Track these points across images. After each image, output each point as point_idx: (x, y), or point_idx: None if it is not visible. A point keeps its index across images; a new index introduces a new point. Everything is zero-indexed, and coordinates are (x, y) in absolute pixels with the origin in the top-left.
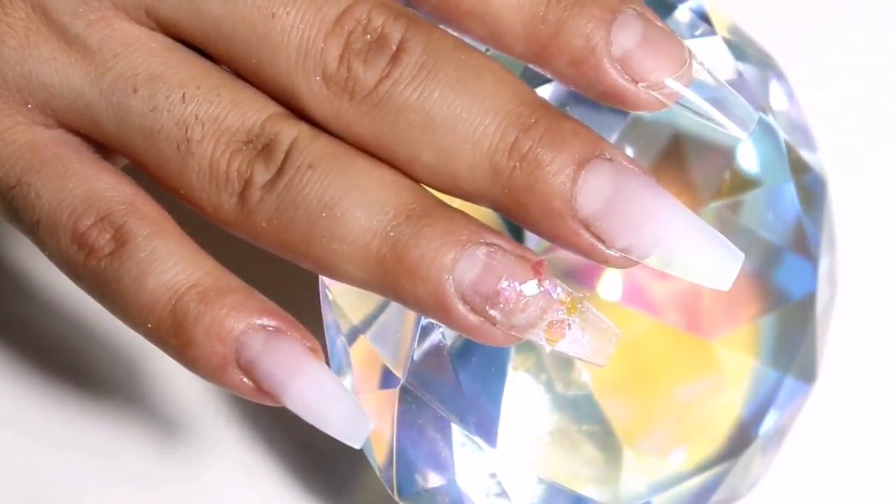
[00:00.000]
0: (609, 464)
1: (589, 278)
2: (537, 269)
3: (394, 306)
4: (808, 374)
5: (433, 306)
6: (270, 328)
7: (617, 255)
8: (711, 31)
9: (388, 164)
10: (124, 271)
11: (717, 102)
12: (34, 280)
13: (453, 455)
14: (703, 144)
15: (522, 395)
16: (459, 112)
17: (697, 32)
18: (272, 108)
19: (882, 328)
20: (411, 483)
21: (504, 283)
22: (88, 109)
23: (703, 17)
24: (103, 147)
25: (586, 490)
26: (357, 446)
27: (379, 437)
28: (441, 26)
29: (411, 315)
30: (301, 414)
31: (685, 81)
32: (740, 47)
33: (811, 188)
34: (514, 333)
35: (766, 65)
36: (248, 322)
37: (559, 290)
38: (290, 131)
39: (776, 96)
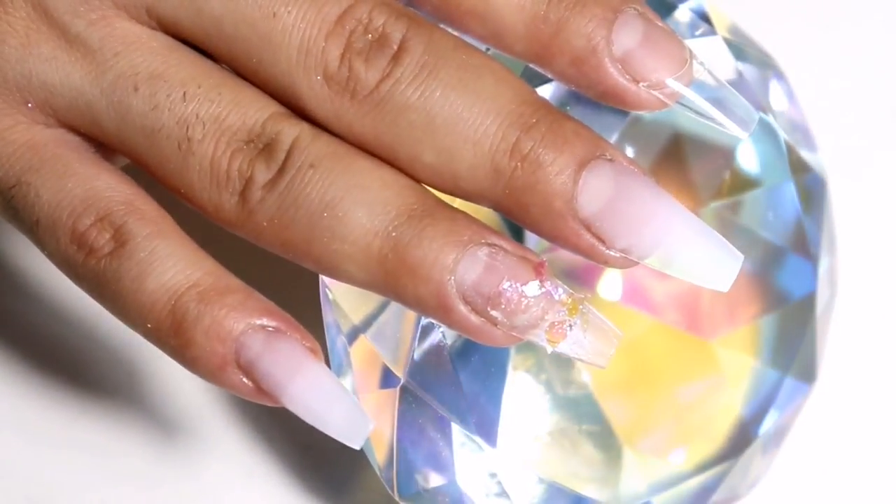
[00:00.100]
0: (609, 464)
1: (589, 278)
2: (539, 270)
3: (394, 306)
4: (808, 374)
5: (434, 307)
6: (270, 328)
7: (617, 255)
8: (711, 31)
9: (388, 164)
10: (124, 271)
11: (717, 102)
12: (34, 280)
13: (453, 455)
14: (703, 144)
15: (522, 395)
16: (461, 112)
17: (697, 32)
18: (273, 107)
19: (882, 328)
20: (411, 483)
21: (506, 284)
22: (89, 108)
23: (704, 17)
24: (103, 146)
25: (586, 490)
26: (357, 447)
27: (379, 437)
28: (442, 26)
29: (411, 315)
30: (300, 414)
31: (686, 81)
32: (740, 47)
33: (811, 188)
34: (514, 334)
35: (766, 65)
36: (247, 322)
37: (560, 291)
38: (292, 131)
39: (776, 96)
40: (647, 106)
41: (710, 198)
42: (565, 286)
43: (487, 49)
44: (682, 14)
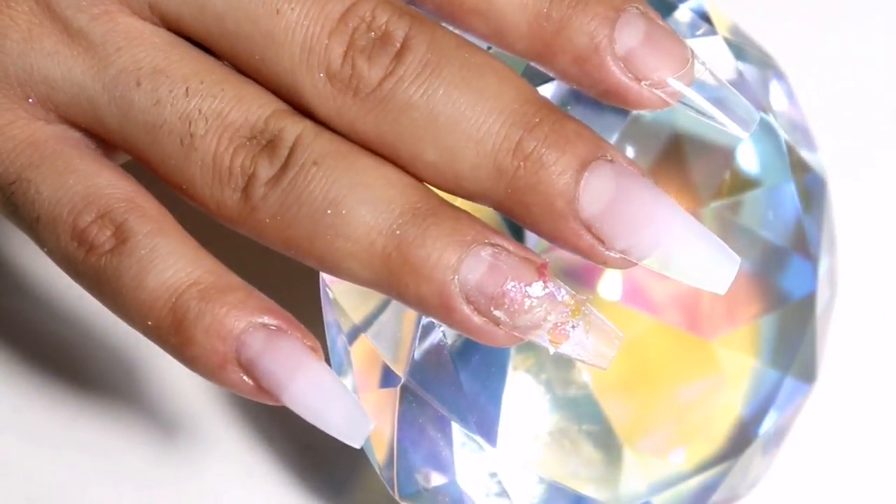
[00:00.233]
0: (609, 464)
1: (589, 278)
2: (541, 271)
3: (394, 305)
4: (808, 374)
5: (437, 306)
6: (271, 327)
7: (616, 256)
8: (712, 31)
9: (391, 163)
10: (124, 269)
11: (718, 102)
12: (33, 278)
13: (454, 454)
14: (703, 144)
15: (523, 395)
16: (463, 110)
17: (698, 32)
18: (276, 104)
19: (882, 328)
20: (412, 482)
21: (510, 284)
22: (91, 104)
23: (704, 17)
24: (104, 143)
25: (586, 490)
26: (357, 446)
27: (379, 437)
28: (444, 24)
29: (412, 314)
30: (301, 413)
31: (687, 80)
32: (740, 47)
33: (811, 188)
34: (516, 334)
35: (766, 65)
36: (248, 321)
37: (563, 292)
38: (295, 128)
39: (776, 96)
40: (648, 105)
41: (710, 198)
42: (567, 287)
43: (489, 48)
44: (683, 14)
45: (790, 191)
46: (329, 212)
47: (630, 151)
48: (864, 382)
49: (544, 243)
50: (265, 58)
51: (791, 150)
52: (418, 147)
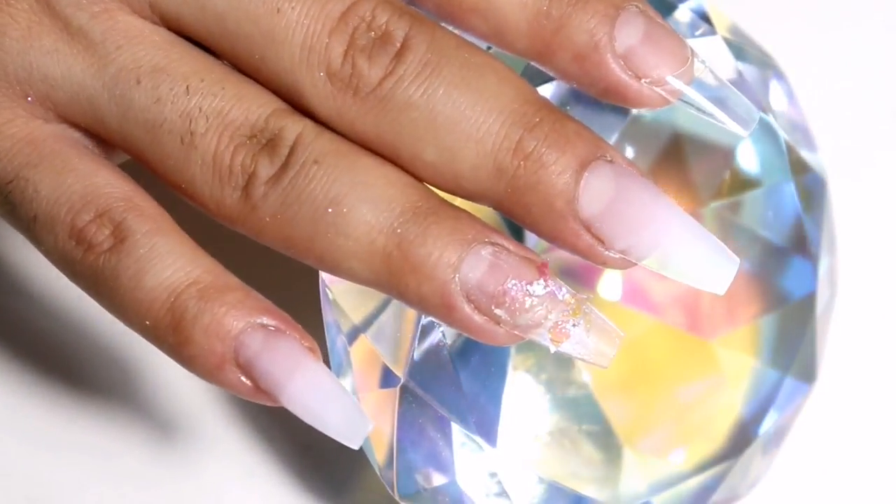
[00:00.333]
0: (609, 464)
1: (589, 278)
2: (542, 271)
3: (394, 306)
4: (808, 374)
5: (438, 305)
6: (270, 327)
7: (616, 256)
8: (712, 31)
9: (391, 162)
10: (122, 268)
11: (718, 101)
12: (31, 279)
13: (453, 455)
14: (702, 144)
15: (523, 395)
16: (463, 110)
17: (698, 32)
18: (276, 103)
19: (882, 328)
20: (411, 483)
21: (511, 283)
22: (90, 103)
23: (704, 16)
24: (103, 143)
25: (586, 490)
26: (355, 447)
27: (379, 437)
28: (443, 25)
29: (412, 314)
30: (299, 414)
31: (687, 79)
32: (740, 47)
33: (811, 188)
34: (517, 333)
35: (766, 65)
36: (247, 321)
37: (564, 290)
38: (295, 126)
39: (776, 96)
40: (648, 103)
41: (710, 198)
42: (568, 286)
43: (489, 48)
44: (682, 14)
45: (790, 191)
46: (330, 210)
47: (630, 152)
48: (864, 382)
49: (544, 243)
50: (265, 57)
51: (791, 150)
52: (418, 147)
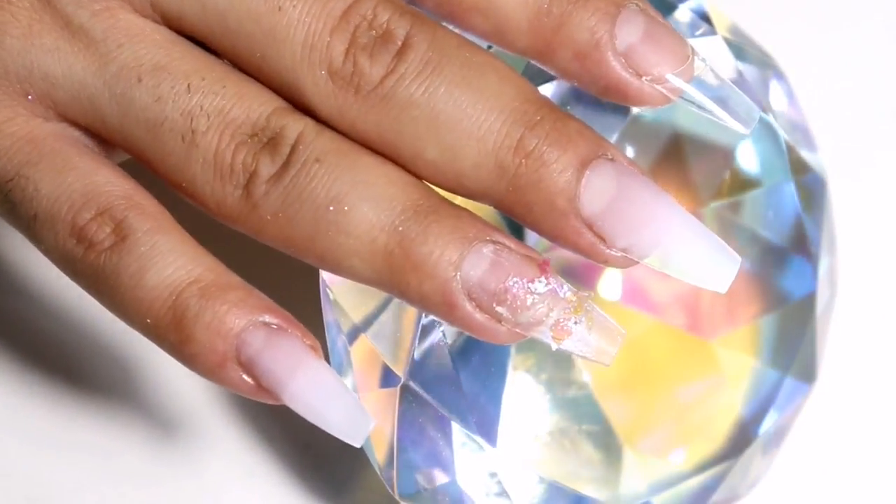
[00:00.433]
0: (609, 463)
1: (589, 278)
2: (543, 268)
3: (394, 305)
4: (808, 374)
5: (439, 303)
6: (272, 326)
7: (617, 254)
8: (712, 31)
9: (391, 161)
10: (124, 266)
11: (719, 99)
12: (31, 278)
13: (454, 454)
14: (703, 144)
15: (523, 395)
16: (465, 108)
17: (698, 32)
18: (277, 102)
19: (882, 328)
20: (412, 482)
21: (512, 281)
22: (91, 101)
23: (704, 16)
24: (103, 142)
25: (586, 490)
26: (357, 445)
27: (379, 436)
28: (443, 24)
29: (412, 314)
30: (301, 412)
31: (688, 77)
32: (740, 47)
33: (811, 188)
34: (518, 331)
35: (766, 65)
36: (249, 319)
37: (565, 288)
38: (296, 125)
39: (776, 96)
40: (649, 101)
41: (710, 198)
42: (569, 284)
43: (489, 47)
44: (683, 14)
45: (790, 191)
46: (331, 209)
47: (630, 151)
48: (864, 382)
49: (545, 242)
50: (266, 55)
51: (791, 150)
52: (419, 145)
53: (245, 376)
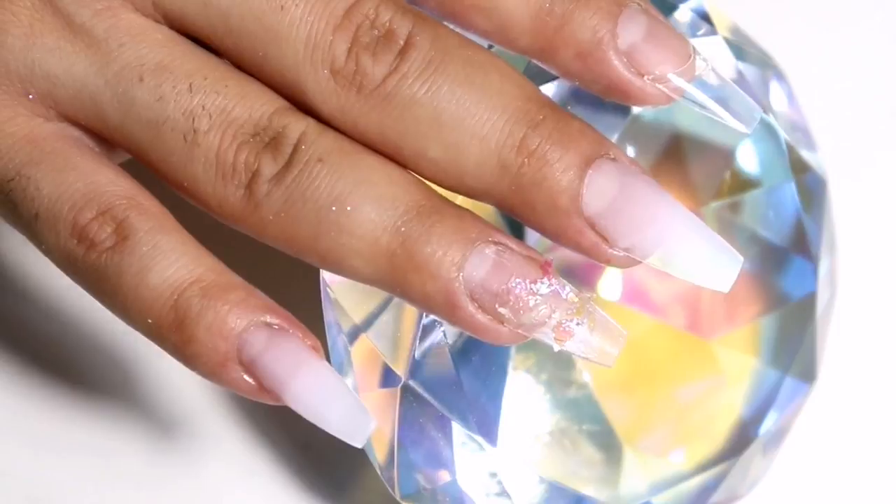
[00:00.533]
0: (609, 463)
1: (589, 278)
2: (545, 269)
3: (395, 305)
4: (808, 374)
5: (441, 304)
6: (274, 326)
7: (620, 254)
8: (712, 31)
9: (393, 161)
10: (125, 266)
11: (720, 99)
12: (31, 279)
13: (454, 454)
14: (703, 144)
15: (523, 395)
16: (467, 107)
17: (698, 32)
18: (279, 101)
19: (882, 328)
20: (412, 482)
21: (515, 282)
22: (92, 100)
23: (704, 17)
24: (104, 142)
25: (587, 489)
26: (359, 445)
27: (380, 436)
28: (445, 23)
29: (412, 314)
30: (302, 412)
31: (689, 76)
32: (741, 47)
33: (811, 188)
34: (521, 332)
35: (766, 65)
36: (250, 319)
37: (567, 289)
38: (298, 125)
39: (776, 96)
40: (650, 100)
41: (710, 198)
42: (571, 285)
43: (490, 47)
44: (683, 14)
45: (790, 191)
46: (333, 209)
47: (630, 151)
48: (864, 382)
49: (546, 243)
50: (268, 54)
51: (791, 150)
52: (422, 144)
53: (246, 376)
